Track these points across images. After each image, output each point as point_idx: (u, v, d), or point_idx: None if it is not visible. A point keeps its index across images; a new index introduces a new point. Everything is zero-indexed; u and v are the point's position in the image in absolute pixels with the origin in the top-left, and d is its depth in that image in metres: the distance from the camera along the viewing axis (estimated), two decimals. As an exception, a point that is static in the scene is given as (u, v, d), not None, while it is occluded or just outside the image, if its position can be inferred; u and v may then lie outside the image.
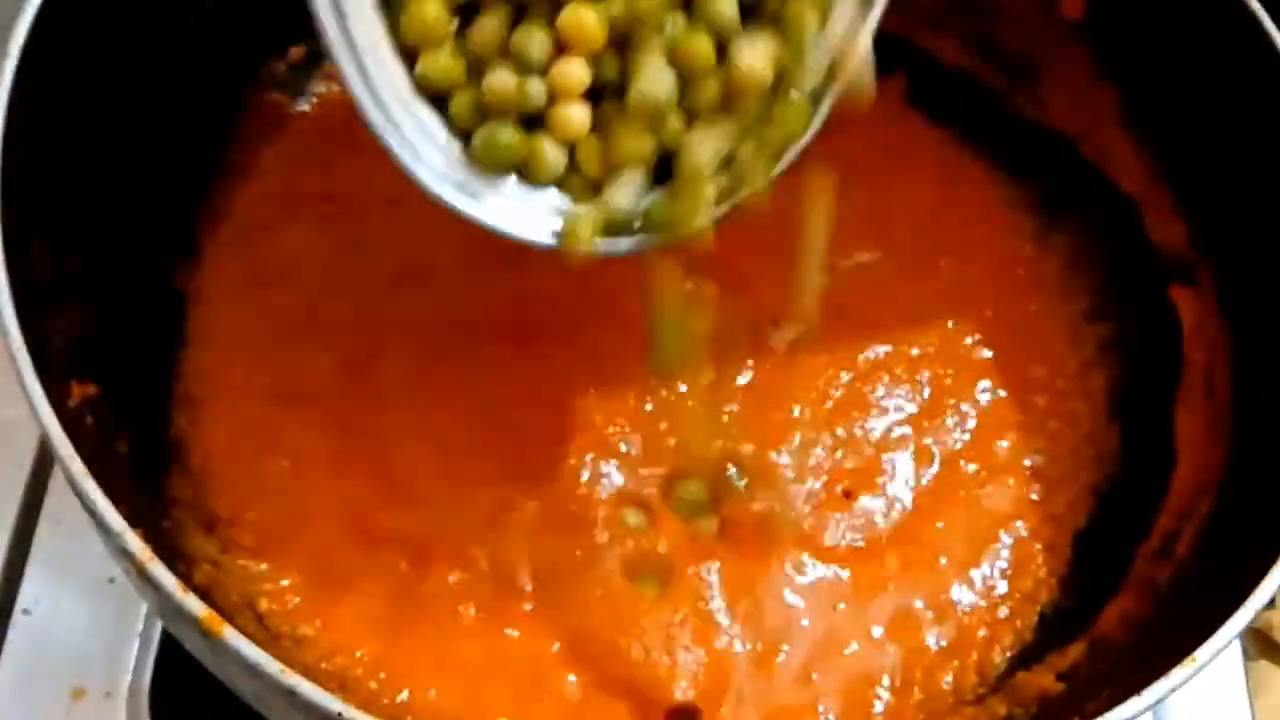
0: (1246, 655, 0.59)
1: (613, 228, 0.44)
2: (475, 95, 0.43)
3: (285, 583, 0.50)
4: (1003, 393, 0.58)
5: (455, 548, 0.51)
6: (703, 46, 0.43)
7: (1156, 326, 0.57)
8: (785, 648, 0.51)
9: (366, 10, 0.43)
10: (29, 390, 0.42)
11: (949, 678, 0.51)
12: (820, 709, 0.50)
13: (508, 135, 0.43)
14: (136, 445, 0.49)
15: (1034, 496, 0.56)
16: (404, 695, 0.49)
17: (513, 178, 0.44)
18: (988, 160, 0.62)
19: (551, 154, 0.44)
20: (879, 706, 0.50)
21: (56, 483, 0.58)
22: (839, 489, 0.55)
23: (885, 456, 0.56)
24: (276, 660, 0.39)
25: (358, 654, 0.49)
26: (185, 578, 0.41)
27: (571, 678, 0.50)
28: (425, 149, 0.43)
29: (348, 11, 0.43)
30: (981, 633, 0.52)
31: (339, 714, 0.39)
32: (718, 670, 0.50)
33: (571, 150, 0.44)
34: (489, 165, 0.44)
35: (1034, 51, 0.60)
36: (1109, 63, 0.58)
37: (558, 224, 0.44)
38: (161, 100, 0.54)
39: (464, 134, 0.44)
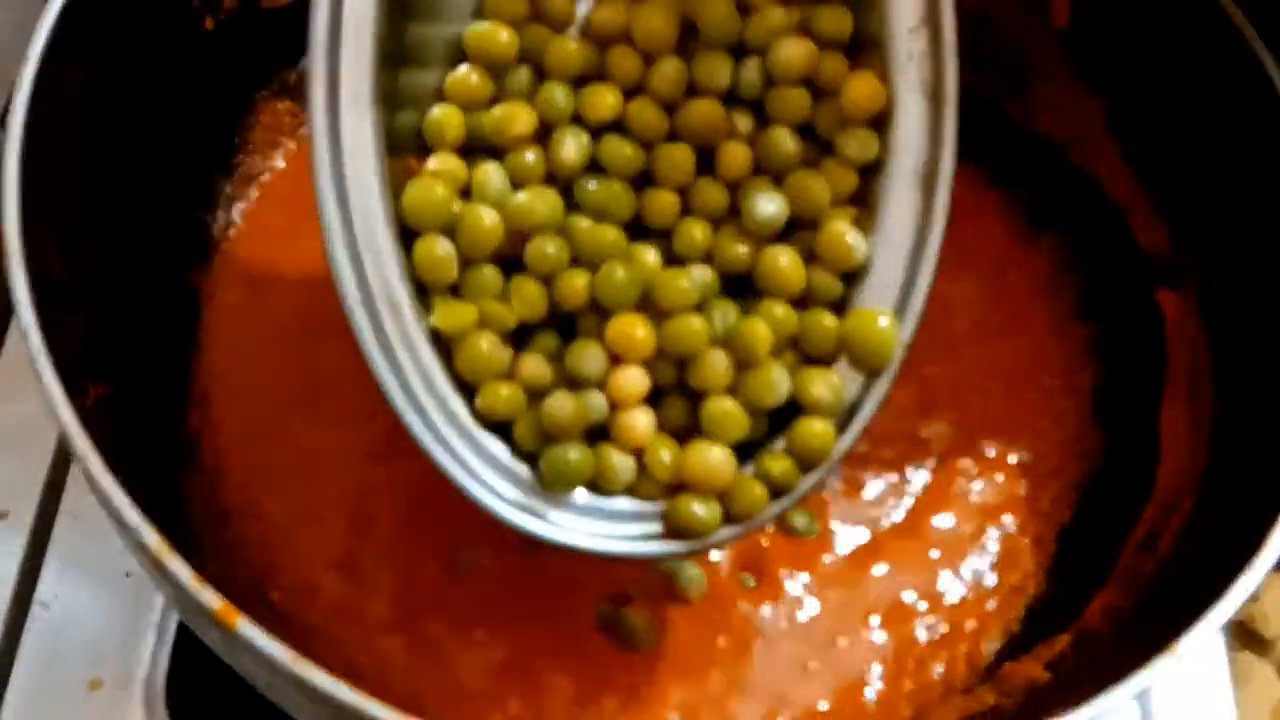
0: (1230, 647, 0.60)
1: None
2: (537, 419, 0.43)
3: (297, 575, 0.51)
4: (991, 390, 0.58)
5: (461, 539, 0.52)
6: (760, 337, 0.43)
7: (1141, 327, 0.57)
8: (782, 640, 0.52)
9: (423, 355, 0.43)
10: (48, 389, 0.42)
11: (939, 668, 0.52)
12: (814, 698, 0.51)
13: (575, 456, 0.43)
14: (152, 442, 0.50)
15: (1021, 492, 0.56)
16: (415, 684, 0.50)
17: (580, 488, 0.44)
18: (978, 166, 0.62)
19: (621, 464, 0.43)
20: (871, 695, 0.51)
21: (74, 479, 0.58)
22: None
23: (878, 452, 0.56)
24: (290, 650, 0.40)
25: (371, 644, 0.50)
26: (200, 570, 0.41)
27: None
28: (491, 478, 0.43)
29: (403, 362, 0.43)
30: (971, 624, 0.53)
31: (351, 703, 0.39)
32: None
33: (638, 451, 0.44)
34: (558, 486, 0.43)
35: (1024, 63, 0.61)
36: (1096, 74, 0.59)
37: (628, 531, 0.44)
38: (175, 105, 0.55)
39: (528, 454, 0.44)
